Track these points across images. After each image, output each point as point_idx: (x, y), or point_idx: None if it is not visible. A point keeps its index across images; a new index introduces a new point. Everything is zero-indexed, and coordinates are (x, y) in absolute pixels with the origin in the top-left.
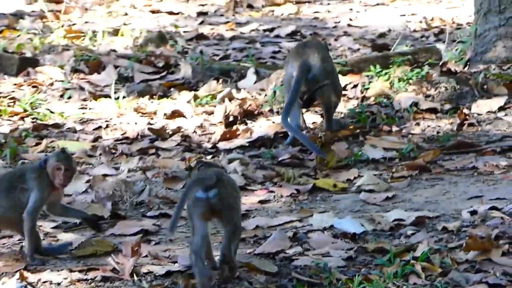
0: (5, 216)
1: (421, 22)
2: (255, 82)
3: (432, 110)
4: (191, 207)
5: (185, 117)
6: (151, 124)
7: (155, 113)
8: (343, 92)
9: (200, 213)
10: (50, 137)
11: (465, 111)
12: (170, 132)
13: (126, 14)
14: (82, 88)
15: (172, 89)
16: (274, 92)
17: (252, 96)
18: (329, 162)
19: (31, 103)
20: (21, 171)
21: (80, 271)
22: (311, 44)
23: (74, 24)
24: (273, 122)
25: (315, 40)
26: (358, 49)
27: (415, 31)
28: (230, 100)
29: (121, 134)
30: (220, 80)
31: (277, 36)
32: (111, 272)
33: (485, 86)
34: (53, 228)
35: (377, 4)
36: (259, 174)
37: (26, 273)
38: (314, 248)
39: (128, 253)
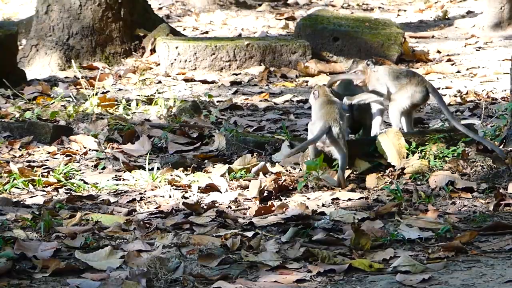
0: None
1: (455, 96)
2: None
3: (468, 189)
4: None
5: (219, 191)
6: (186, 198)
7: (189, 186)
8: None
9: None
10: (84, 210)
11: (502, 191)
12: (205, 207)
13: (159, 82)
14: (116, 158)
15: (206, 161)
16: (309, 166)
17: (286, 171)
18: (365, 245)
19: (65, 173)
20: None
21: None
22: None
23: (107, 92)
24: (308, 199)
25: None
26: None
27: (450, 105)
28: (264, 174)
29: (155, 208)
30: (255, 153)
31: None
32: None
33: None
34: None
35: None
36: (295, 252)
37: None
38: None
39: None
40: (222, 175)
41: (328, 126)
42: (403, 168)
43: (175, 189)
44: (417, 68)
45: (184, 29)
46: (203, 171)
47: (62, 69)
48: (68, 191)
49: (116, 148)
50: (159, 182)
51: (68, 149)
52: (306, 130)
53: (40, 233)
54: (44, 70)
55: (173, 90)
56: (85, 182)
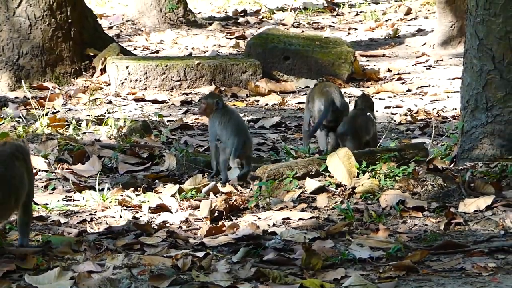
0: None
1: (406, 115)
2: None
3: (419, 208)
4: None
5: (170, 211)
6: (136, 219)
7: (140, 206)
8: (329, 189)
9: None
10: (34, 231)
11: (452, 210)
12: (156, 227)
13: (110, 102)
14: (66, 179)
15: (156, 181)
16: (260, 187)
17: (237, 190)
18: (316, 265)
19: None
20: None
21: None
22: (329, 84)
23: (58, 112)
24: (259, 218)
25: (330, 82)
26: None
27: (400, 123)
28: (215, 194)
29: (106, 228)
30: (205, 173)
31: (262, 127)
32: None
33: (472, 185)
34: None
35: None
36: (246, 273)
37: None
38: None
39: None
40: (173, 195)
41: None
42: (353, 188)
43: (126, 209)
44: (368, 87)
45: (135, 49)
46: (153, 191)
47: (12, 89)
48: None
49: (66, 169)
50: (110, 202)
51: None
52: (257, 149)
53: None
54: None
55: (123, 110)
56: (35, 203)
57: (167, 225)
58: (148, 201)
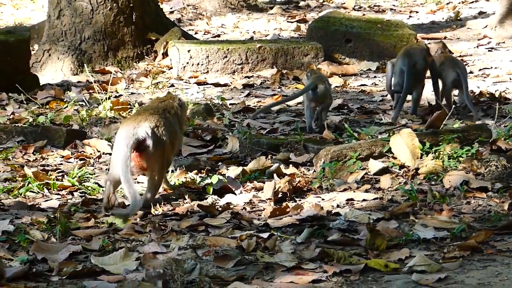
0: None
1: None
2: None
3: (483, 189)
4: None
5: (234, 193)
6: (200, 200)
7: (204, 188)
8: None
9: None
10: (99, 212)
11: None
12: (220, 209)
13: (172, 85)
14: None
15: (220, 163)
16: (323, 168)
17: (301, 172)
18: (380, 245)
19: (79, 177)
20: None
21: None
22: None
23: (120, 96)
24: (323, 200)
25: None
26: (406, 124)
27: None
28: (279, 176)
29: (170, 210)
30: (269, 155)
31: None
32: None
33: None
34: None
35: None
36: (310, 253)
37: None
38: None
39: None
40: (237, 177)
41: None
42: (417, 169)
43: (190, 191)
44: None
45: (196, 33)
46: (217, 173)
47: (74, 74)
48: (83, 194)
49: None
50: (174, 184)
51: (82, 153)
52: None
53: (56, 236)
54: (56, 75)
55: (185, 93)
56: (99, 186)
57: (231, 206)
58: (212, 183)
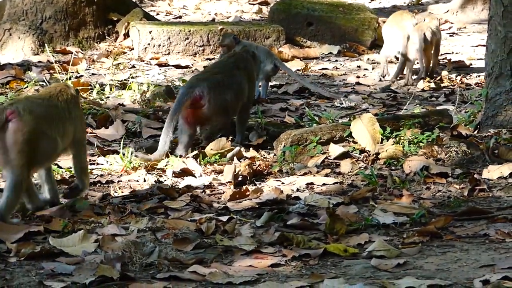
0: None
1: (429, 82)
2: (263, 140)
3: (443, 175)
4: None
5: (194, 175)
6: (160, 182)
7: (163, 170)
8: (353, 154)
9: None
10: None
11: (476, 176)
12: (179, 191)
13: (133, 66)
14: (90, 143)
15: None
16: (284, 152)
17: (261, 156)
18: (340, 230)
19: None
20: None
21: None
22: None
23: (81, 76)
24: (283, 183)
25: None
26: (367, 109)
27: (423, 90)
28: (239, 159)
29: (130, 192)
30: (229, 138)
31: (285, 93)
32: None
33: (496, 151)
34: None
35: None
36: (270, 237)
37: None
38: None
39: None
40: (197, 160)
41: None
42: (377, 154)
43: (149, 173)
44: None
45: (158, 14)
46: (177, 156)
47: (35, 54)
48: None
49: (90, 133)
50: (133, 166)
51: None
52: (278, 115)
53: (18, 216)
54: (17, 55)
55: (146, 75)
56: (59, 167)
57: (191, 189)
58: (172, 165)
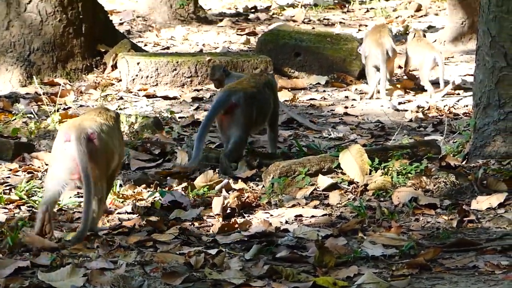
0: None
1: (417, 112)
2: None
3: (432, 206)
4: None
5: (182, 208)
6: (149, 215)
7: (152, 203)
8: (341, 186)
9: None
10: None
11: (465, 207)
12: (168, 224)
13: (121, 98)
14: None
15: (168, 177)
16: (272, 184)
17: (250, 187)
18: (329, 262)
19: (27, 190)
20: None
21: None
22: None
23: (69, 108)
24: (271, 216)
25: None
26: (355, 140)
27: (411, 121)
28: (227, 191)
29: (118, 225)
30: (217, 170)
31: None
32: None
33: (484, 182)
34: None
35: (372, 98)
36: (259, 270)
37: None
38: None
39: None
40: (185, 192)
41: None
42: (366, 185)
43: (138, 206)
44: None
45: (145, 45)
46: (165, 187)
47: (23, 85)
48: (30, 208)
49: None
50: (122, 202)
51: (30, 166)
52: (267, 146)
53: (5, 249)
54: (5, 86)
55: (134, 106)
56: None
57: (180, 222)
58: (160, 198)
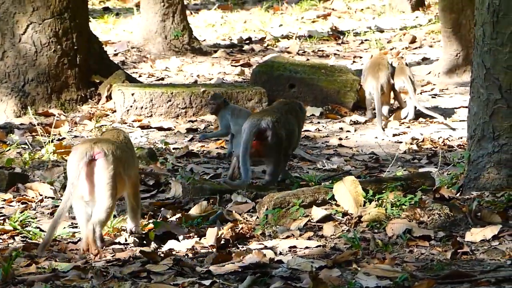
0: None
1: (411, 144)
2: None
3: (426, 238)
4: None
5: (177, 239)
6: (143, 246)
7: (146, 234)
8: (335, 217)
9: None
10: (41, 257)
11: (459, 239)
12: (162, 255)
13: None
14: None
15: (162, 208)
16: (266, 215)
17: (244, 219)
18: None
19: (21, 221)
20: None
21: None
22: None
23: (63, 139)
24: (266, 247)
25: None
26: (349, 171)
27: (405, 152)
28: (221, 222)
29: (112, 256)
30: (211, 201)
31: None
32: None
33: (478, 214)
34: None
35: (366, 122)
36: None
37: None
38: None
39: None
40: (179, 223)
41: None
42: (360, 216)
43: (132, 237)
44: None
45: (140, 76)
46: (159, 218)
47: (17, 116)
48: (24, 239)
49: None
50: (116, 229)
51: (24, 196)
52: (262, 178)
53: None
54: None
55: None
56: (41, 230)
57: (174, 252)
58: (154, 229)
